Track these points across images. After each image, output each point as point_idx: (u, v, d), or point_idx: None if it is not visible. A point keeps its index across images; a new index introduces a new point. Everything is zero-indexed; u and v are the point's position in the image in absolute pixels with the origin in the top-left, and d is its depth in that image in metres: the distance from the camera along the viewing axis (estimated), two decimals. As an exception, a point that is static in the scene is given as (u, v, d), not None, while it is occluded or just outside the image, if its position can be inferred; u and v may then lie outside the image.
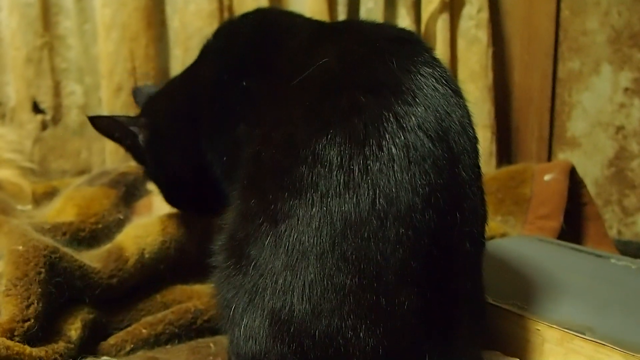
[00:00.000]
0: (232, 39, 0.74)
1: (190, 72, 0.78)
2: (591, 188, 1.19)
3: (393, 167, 0.47)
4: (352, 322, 0.46)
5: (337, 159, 0.48)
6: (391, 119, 0.49)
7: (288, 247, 0.48)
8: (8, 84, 1.30)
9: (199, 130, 0.72)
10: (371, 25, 0.64)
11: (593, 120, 1.23)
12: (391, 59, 0.53)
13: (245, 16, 0.75)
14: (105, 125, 0.79)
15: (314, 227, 0.47)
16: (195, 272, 0.79)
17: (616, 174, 1.22)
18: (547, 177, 1.01)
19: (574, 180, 1.02)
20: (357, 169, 0.47)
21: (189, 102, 0.75)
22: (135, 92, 0.89)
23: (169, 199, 0.83)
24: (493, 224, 0.94)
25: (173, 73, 1.31)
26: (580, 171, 1.07)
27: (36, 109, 1.29)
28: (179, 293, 0.79)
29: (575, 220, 1.02)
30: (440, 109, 0.51)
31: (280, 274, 0.48)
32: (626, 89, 1.20)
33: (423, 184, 0.47)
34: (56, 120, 1.30)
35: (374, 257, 0.46)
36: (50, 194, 1.02)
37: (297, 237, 0.47)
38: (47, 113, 1.29)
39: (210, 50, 0.76)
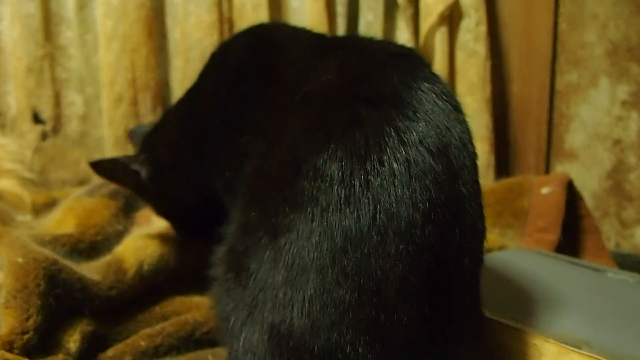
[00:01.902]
0: (229, 54, 0.74)
1: (187, 97, 0.78)
2: (589, 200, 1.20)
3: (394, 182, 0.47)
4: (351, 337, 0.46)
5: (338, 173, 0.48)
6: (392, 134, 0.49)
7: (288, 261, 0.48)
8: (9, 93, 1.30)
9: (201, 151, 0.72)
10: (372, 41, 0.65)
11: (591, 133, 1.24)
12: (392, 73, 0.53)
13: (244, 32, 0.76)
14: (106, 169, 0.78)
15: (314, 241, 0.47)
16: (194, 284, 0.79)
17: (614, 187, 1.22)
18: (544, 190, 1.01)
19: (572, 193, 1.02)
20: (358, 184, 0.47)
21: (188, 126, 0.75)
22: (132, 134, 0.88)
23: (183, 232, 0.82)
24: (492, 237, 0.94)
25: (173, 83, 1.32)
26: (578, 183, 1.07)
27: (36, 119, 1.29)
28: (178, 304, 0.79)
29: (573, 232, 1.02)
30: (440, 125, 0.51)
31: (280, 288, 0.48)
32: (624, 102, 1.21)
33: (423, 200, 0.47)
34: (56, 130, 1.31)
35: (374, 272, 0.46)
36: (50, 205, 1.03)
37: (297, 251, 0.48)
38: (47, 123, 1.30)
39: (207, 70, 0.76)
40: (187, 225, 0.81)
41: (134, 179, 0.78)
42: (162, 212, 0.82)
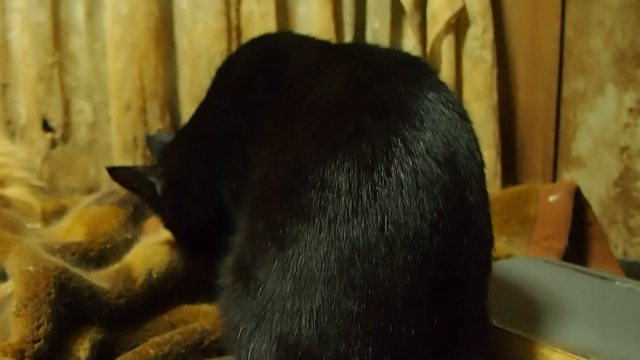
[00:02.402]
0: (235, 65, 0.75)
1: (198, 112, 0.79)
2: (596, 208, 1.20)
3: (401, 192, 0.47)
4: (359, 348, 0.46)
5: (345, 184, 0.48)
6: (399, 144, 0.49)
7: (295, 271, 0.48)
8: (18, 101, 1.31)
9: (209, 163, 0.72)
10: (378, 49, 0.65)
11: (598, 140, 1.24)
12: (398, 82, 0.53)
13: (248, 42, 0.77)
14: (123, 176, 0.79)
15: (321, 252, 0.47)
16: (202, 292, 0.80)
17: (621, 194, 1.22)
18: (551, 198, 1.01)
19: (579, 201, 1.02)
20: (365, 195, 0.47)
21: (197, 140, 0.76)
22: (149, 140, 0.89)
23: (186, 248, 0.82)
24: (499, 245, 0.93)
25: (181, 91, 1.33)
26: (585, 191, 1.07)
27: (46, 126, 1.30)
28: (186, 313, 0.79)
29: (580, 240, 1.02)
30: (447, 134, 0.51)
31: (288, 298, 0.48)
32: (630, 109, 1.20)
33: (431, 210, 0.48)
34: (65, 137, 1.32)
35: (382, 283, 0.46)
36: (59, 212, 1.03)
37: (304, 262, 0.48)
38: (56, 131, 1.31)
39: (214, 83, 0.77)
40: (192, 241, 0.81)
41: (149, 190, 0.78)
42: (170, 225, 0.82)
